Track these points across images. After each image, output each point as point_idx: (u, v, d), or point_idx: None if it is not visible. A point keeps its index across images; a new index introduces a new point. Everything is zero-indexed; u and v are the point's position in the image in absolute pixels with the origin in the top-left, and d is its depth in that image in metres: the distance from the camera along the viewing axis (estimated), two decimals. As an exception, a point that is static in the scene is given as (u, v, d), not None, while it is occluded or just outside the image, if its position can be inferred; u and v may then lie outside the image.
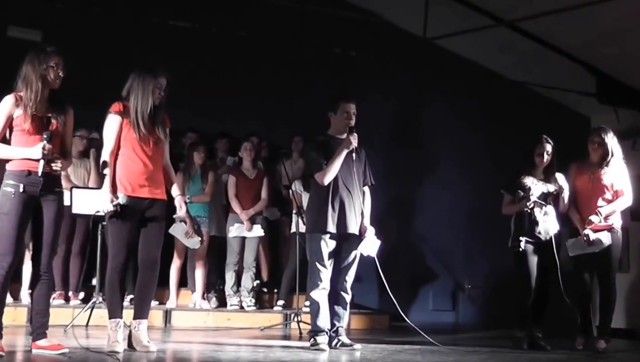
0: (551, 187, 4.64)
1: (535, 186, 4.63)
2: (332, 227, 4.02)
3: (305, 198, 5.38)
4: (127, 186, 3.58)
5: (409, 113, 7.38)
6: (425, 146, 7.36)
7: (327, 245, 4.05)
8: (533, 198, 4.57)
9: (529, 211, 4.57)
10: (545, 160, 4.67)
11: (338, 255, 4.11)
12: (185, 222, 4.41)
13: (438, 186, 7.21)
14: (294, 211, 5.57)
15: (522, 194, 4.58)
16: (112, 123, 3.61)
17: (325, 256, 4.05)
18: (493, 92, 7.34)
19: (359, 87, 6.70)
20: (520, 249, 4.56)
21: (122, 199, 3.52)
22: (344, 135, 4.13)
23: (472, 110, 7.33)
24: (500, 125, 7.33)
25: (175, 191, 3.76)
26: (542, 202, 4.59)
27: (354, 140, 4.06)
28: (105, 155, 3.58)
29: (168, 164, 3.77)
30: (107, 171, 3.54)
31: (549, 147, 4.68)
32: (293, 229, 5.69)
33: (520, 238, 4.57)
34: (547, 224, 4.62)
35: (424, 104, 7.38)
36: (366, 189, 4.25)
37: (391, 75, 7.13)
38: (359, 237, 4.10)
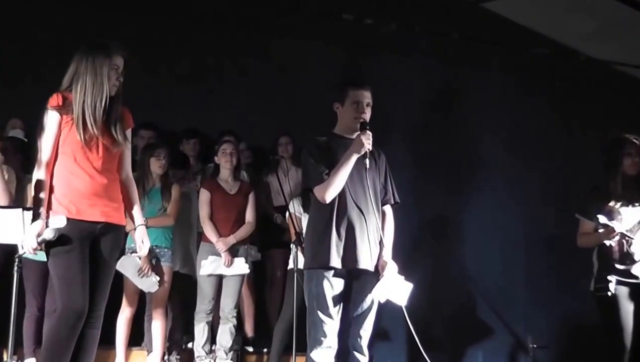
0: None
1: (627, 211, 4.66)
2: (336, 261, 4.05)
3: (305, 222, 5.43)
4: (69, 207, 3.56)
5: (442, 103, 7.49)
6: (466, 148, 7.47)
7: (332, 286, 4.07)
8: (623, 225, 4.58)
9: (619, 242, 4.60)
10: (637, 166, 4.70)
11: (348, 300, 4.14)
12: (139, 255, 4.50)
13: (486, 204, 7.31)
14: (293, 240, 5.62)
15: (605, 222, 4.56)
16: (49, 123, 3.60)
17: (330, 301, 4.07)
18: (562, 73, 7.47)
19: (375, 68, 6.84)
20: (609, 294, 4.59)
21: (58, 223, 3.49)
22: (354, 135, 4.17)
23: (532, 100, 7.48)
24: (572, 119, 7.45)
25: (136, 217, 3.78)
26: (630, 236, 4.59)
27: (368, 141, 4.08)
28: (38, 170, 3.57)
29: (129, 177, 3.80)
30: (41, 194, 3.52)
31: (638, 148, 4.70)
32: (291, 265, 5.75)
33: (609, 278, 4.60)
34: None
35: (464, 91, 7.50)
36: (387, 208, 4.28)
37: (419, 50, 7.29)
38: (376, 276, 4.13)
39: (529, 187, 7.38)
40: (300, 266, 5.00)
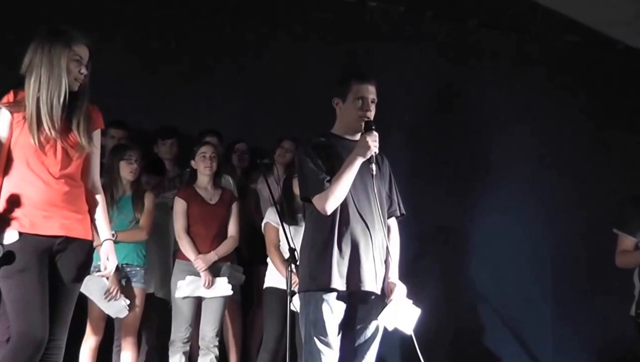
0: None
1: None
2: (339, 283, 4.07)
3: (297, 236, 5.40)
4: (22, 219, 3.52)
5: (455, 98, 7.52)
6: (482, 149, 7.49)
7: (332, 311, 4.09)
8: None
9: None
10: None
11: (350, 327, 4.16)
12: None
13: (505, 214, 7.31)
14: (270, 256, 5.66)
15: None
16: (0, 124, 3.57)
17: (330, 328, 4.09)
18: (598, 66, 7.51)
19: (380, 58, 6.85)
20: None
21: (9, 239, 3.45)
22: (357, 135, 4.20)
23: (561, 94, 7.50)
24: (608, 116, 7.49)
25: (102, 230, 3.76)
26: None
27: (374, 143, 4.11)
28: None
29: (95, 186, 3.79)
30: None
31: None
32: (269, 283, 5.82)
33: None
34: None
35: (482, 85, 7.52)
36: (392, 221, 4.32)
37: (430, 38, 7.32)
38: (382, 299, 4.16)
39: (558, 195, 7.40)
40: (294, 287, 4.93)
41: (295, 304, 4.92)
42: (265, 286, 5.90)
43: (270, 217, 5.83)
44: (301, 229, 5.45)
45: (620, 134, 7.56)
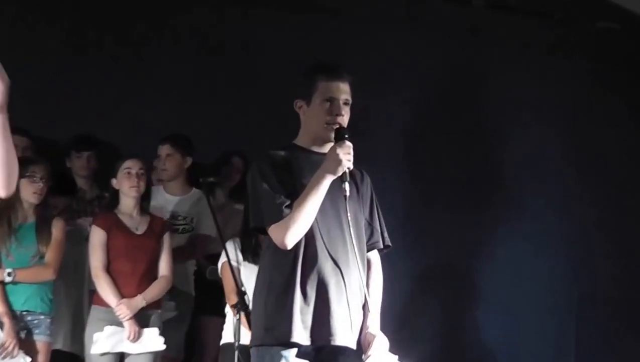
0: None
1: None
2: (302, 336, 4.10)
3: (249, 276, 5.48)
4: None
5: (457, 98, 7.57)
6: (491, 162, 7.57)
7: (293, 371, 4.10)
8: None
9: None
10: None
11: (317, 391, 4.17)
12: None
13: (520, 246, 7.35)
14: (229, 303, 5.67)
15: None
16: None
17: (290, 393, 4.09)
18: (636, 55, 7.59)
19: (358, 51, 6.93)
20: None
21: None
22: (327, 147, 4.23)
23: (595, 93, 7.63)
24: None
25: None
26: None
27: (347, 156, 4.12)
28: None
29: None
30: None
31: None
32: (227, 339, 5.81)
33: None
34: None
35: (491, 80, 7.62)
36: (373, 255, 4.36)
37: (428, 23, 7.39)
38: (358, 356, 4.19)
39: (588, 221, 7.44)
40: (244, 341, 5.02)
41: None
42: (222, 341, 5.92)
43: (231, 255, 5.81)
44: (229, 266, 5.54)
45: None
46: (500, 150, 7.61)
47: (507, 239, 7.38)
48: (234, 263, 5.79)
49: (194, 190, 6.59)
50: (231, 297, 5.74)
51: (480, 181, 7.52)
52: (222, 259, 5.82)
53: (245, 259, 5.76)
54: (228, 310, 5.82)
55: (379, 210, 4.37)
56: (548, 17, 7.53)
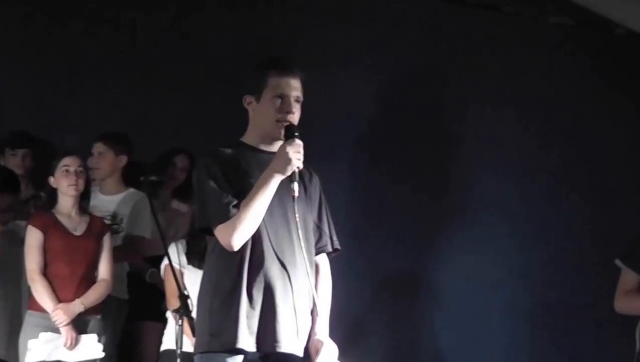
0: None
1: None
2: (247, 342, 4.07)
3: (192, 280, 5.42)
4: None
5: (418, 97, 7.53)
6: (450, 166, 7.55)
7: (238, 379, 4.11)
8: None
9: None
10: None
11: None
12: None
13: (478, 254, 7.36)
14: (171, 308, 5.64)
15: None
16: None
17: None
18: (592, 54, 7.52)
19: (310, 43, 6.84)
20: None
21: None
22: (276, 145, 4.21)
23: (549, 91, 7.60)
24: (620, 118, 7.51)
25: None
26: None
27: (297, 155, 4.11)
28: None
29: None
30: None
31: None
32: (167, 345, 5.80)
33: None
34: None
35: (456, 79, 7.60)
36: (322, 259, 4.33)
37: (388, 18, 7.36)
38: None
39: (542, 228, 7.47)
40: (187, 348, 5.02)
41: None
42: (163, 348, 5.90)
43: (173, 257, 5.76)
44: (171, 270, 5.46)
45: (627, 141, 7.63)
46: (458, 157, 7.63)
47: (461, 245, 7.42)
48: (176, 266, 5.73)
49: (131, 190, 6.53)
50: (172, 302, 5.71)
51: (436, 187, 7.54)
52: (165, 261, 5.77)
53: (190, 263, 5.72)
54: (169, 315, 5.81)
55: (328, 212, 4.35)
56: (501, 12, 7.48)
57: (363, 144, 7.25)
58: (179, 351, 5.21)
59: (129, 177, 6.52)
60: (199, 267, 5.47)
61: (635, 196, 7.12)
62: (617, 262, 4.85)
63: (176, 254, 5.79)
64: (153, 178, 5.98)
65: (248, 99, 4.23)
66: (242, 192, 4.07)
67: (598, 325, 4.92)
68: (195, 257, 5.65)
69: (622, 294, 4.82)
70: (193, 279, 5.43)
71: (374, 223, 6.98)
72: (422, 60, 7.51)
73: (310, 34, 7.19)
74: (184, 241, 5.84)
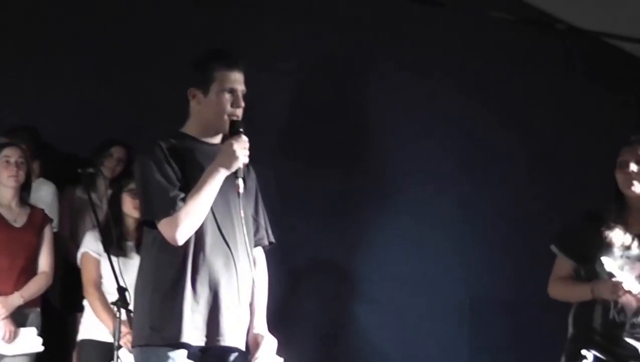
0: None
1: (633, 249, 4.82)
2: (192, 336, 4.08)
3: (108, 268, 5.45)
4: None
5: (339, 88, 7.52)
6: (376, 157, 7.53)
7: (179, 374, 4.14)
8: (626, 275, 4.70)
9: (612, 302, 4.74)
10: (637, 182, 4.83)
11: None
12: None
13: (410, 245, 7.38)
14: (87, 297, 5.69)
15: (613, 270, 4.67)
16: None
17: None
18: (532, 50, 7.64)
19: (239, 39, 6.85)
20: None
21: None
22: (218, 138, 4.25)
23: (484, 86, 7.64)
24: (548, 112, 7.67)
25: None
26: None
27: (243, 152, 4.14)
28: None
29: None
30: None
31: None
32: (85, 335, 5.81)
33: (585, 353, 4.73)
34: None
35: (375, 71, 7.58)
36: (258, 252, 4.38)
37: (305, 10, 7.34)
38: (245, 357, 4.20)
39: (478, 224, 7.51)
40: (100, 336, 5.27)
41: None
42: (79, 337, 5.87)
43: (90, 245, 5.81)
44: (131, 262, 5.45)
45: (563, 138, 7.72)
46: (383, 148, 7.62)
47: (398, 242, 7.42)
48: (94, 254, 5.80)
49: (40, 179, 6.47)
50: (89, 290, 5.78)
51: (363, 180, 7.53)
52: (82, 250, 5.82)
53: (106, 250, 5.63)
54: (86, 303, 5.81)
55: (263, 205, 4.40)
56: (442, 7, 7.53)
57: (287, 135, 7.22)
58: (116, 344, 5.19)
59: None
60: (116, 254, 5.49)
61: (571, 190, 7.20)
62: (553, 248, 4.92)
63: (93, 242, 5.82)
64: (90, 170, 5.99)
65: (193, 92, 4.23)
66: (187, 185, 4.08)
67: (535, 319, 4.95)
68: (111, 246, 5.61)
69: (556, 280, 4.90)
70: (109, 267, 5.52)
71: (304, 213, 6.98)
72: (356, 53, 7.51)
73: (229, 25, 7.17)
74: (98, 229, 5.78)
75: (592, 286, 4.72)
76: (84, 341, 5.81)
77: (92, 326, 5.77)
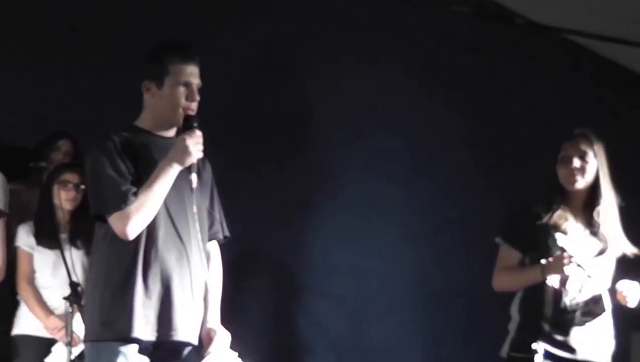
0: (610, 250, 4.92)
1: (581, 238, 4.87)
2: (144, 331, 4.09)
3: (42, 261, 5.51)
4: None
5: (278, 74, 7.47)
6: (318, 147, 7.52)
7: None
8: (577, 251, 4.76)
9: (561, 289, 4.79)
10: (579, 177, 4.89)
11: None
12: None
13: (366, 239, 7.39)
14: (20, 292, 5.67)
15: (565, 244, 4.73)
16: None
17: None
18: (490, 45, 7.70)
19: (171, 19, 6.83)
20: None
21: None
22: (172, 131, 4.25)
23: (434, 81, 7.64)
24: (502, 105, 7.70)
25: None
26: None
27: (197, 147, 4.15)
28: None
29: None
30: None
31: (588, 149, 4.91)
32: (20, 330, 5.76)
33: (533, 344, 4.74)
34: (594, 330, 4.85)
35: (317, 60, 7.54)
36: (213, 246, 4.40)
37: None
38: (198, 352, 4.22)
39: (435, 216, 7.52)
40: (39, 331, 5.22)
41: (56, 355, 4.87)
42: (14, 332, 5.80)
43: (22, 239, 5.77)
44: (66, 255, 5.38)
45: (515, 131, 7.76)
46: (327, 140, 7.56)
47: (351, 236, 7.41)
48: (26, 248, 5.77)
49: None
50: (22, 285, 5.74)
51: (309, 171, 7.49)
52: (15, 243, 5.77)
53: (39, 243, 5.71)
54: (20, 298, 5.77)
55: (219, 199, 4.43)
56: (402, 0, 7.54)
57: (234, 126, 7.17)
58: (68, 338, 5.19)
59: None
60: (49, 247, 5.53)
61: (523, 182, 7.22)
62: (497, 239, 4.96)
63: (25, 236, 5.77)
64: (43, 164, 6.05)
65: (147, 85, 4.23)
66: (141, 179, 4.09)
67: (490, 312, 4.97)
68: (44, 238, 5.63)
69: (501, 270, 4.94)
70: (43, 260, 5.62)
71: (251, 204, 6.95)
72: (307, 45, 7.44)
73: (167, 10, 7.07)
74: (31, 223, 5.79)
75: (542, 265, 4.74)
76: (18, 336, 5.75)
77: (26, 321, 5.71)
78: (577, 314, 4.81)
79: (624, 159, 5.16)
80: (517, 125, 7.71)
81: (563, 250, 4.70)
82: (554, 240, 4.74)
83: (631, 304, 4.82)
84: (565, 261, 4.66)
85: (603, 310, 4.85)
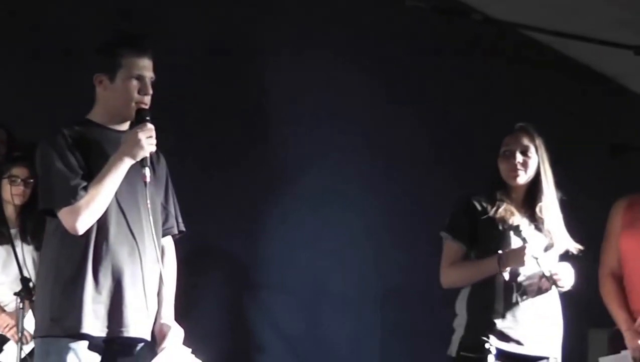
0: (557, 244, 4.96)
1: (530, 233, 4.89)
2: (93, 327, 4.07)
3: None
4: None
5: (232, 62, 7.44)
6: (278, 135, 7.50)
7: (82, 364, 4.14)
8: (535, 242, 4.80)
9: (512, 282, 4.82)
10: (522, 172, 4.93)
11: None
12: None
13: (319, 236, 7.40)
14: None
15: (526, 235, 4.77)
16: None
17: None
18: (445, 40, 7.71)
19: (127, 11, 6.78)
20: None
21: None
22: (125, 125, 4.23)
23: (387, 76, 7.64)
24: (455, 101, 7.72)
25: None
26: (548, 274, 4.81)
27: (150, 141, 4.13)
28: None
29: None
30: None
31: (528, 143, 4.96)
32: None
33: (485, 341, 4.75)
34: (544, 321, 4.88)
35: (269, 49, 7.53)
36: (167, 241, 4.39)
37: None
38: (152, 349, 4.22)
39: (390, 213, 7.51)
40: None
41: (7, 353, 4.84)
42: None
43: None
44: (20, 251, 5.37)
45: (468, 128, 7.78)
46: (289, 131, 7.54)
47: (307, 231, 7.38)
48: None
49: None
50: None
51: (274, 173, 7.46)
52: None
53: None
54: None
55: (174, 193, 4.42)
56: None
57: (191, 119, 7.14)
58: (19, 334, 5.17)
59: None
60: (6, 243, 5.53)
61: (477, 175, 7.26)
62: (443, 234, 4.99)
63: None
64: None
65: (100, 78, 4.20)
66: (92, 173, 4.07)
67: (448, 307, 4.98)
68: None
69: (450, 265, 4.95)
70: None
71: (205, 199, 6.94)
72: (256, 37, 7.41)
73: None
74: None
75: (499, 256, 4.76)
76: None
77: None
78: (529, 308, 4.81)
79: (578, 151, 5.19)
80: (476, 119, 7.73)
81: (525, 241, 4.74)
82: (502, 234, 4.79)
83: (564, 285, 4.85)
84: (527, 252, 4.70)
85: (549, 288, 4.85)
